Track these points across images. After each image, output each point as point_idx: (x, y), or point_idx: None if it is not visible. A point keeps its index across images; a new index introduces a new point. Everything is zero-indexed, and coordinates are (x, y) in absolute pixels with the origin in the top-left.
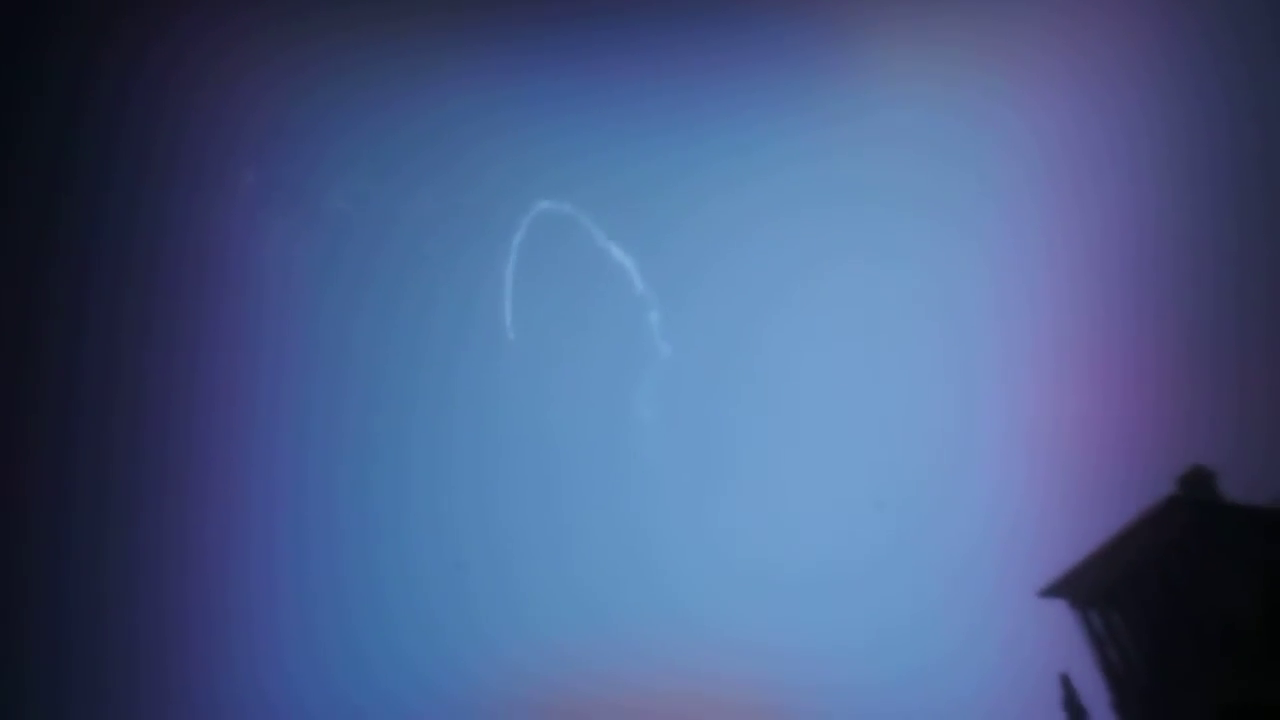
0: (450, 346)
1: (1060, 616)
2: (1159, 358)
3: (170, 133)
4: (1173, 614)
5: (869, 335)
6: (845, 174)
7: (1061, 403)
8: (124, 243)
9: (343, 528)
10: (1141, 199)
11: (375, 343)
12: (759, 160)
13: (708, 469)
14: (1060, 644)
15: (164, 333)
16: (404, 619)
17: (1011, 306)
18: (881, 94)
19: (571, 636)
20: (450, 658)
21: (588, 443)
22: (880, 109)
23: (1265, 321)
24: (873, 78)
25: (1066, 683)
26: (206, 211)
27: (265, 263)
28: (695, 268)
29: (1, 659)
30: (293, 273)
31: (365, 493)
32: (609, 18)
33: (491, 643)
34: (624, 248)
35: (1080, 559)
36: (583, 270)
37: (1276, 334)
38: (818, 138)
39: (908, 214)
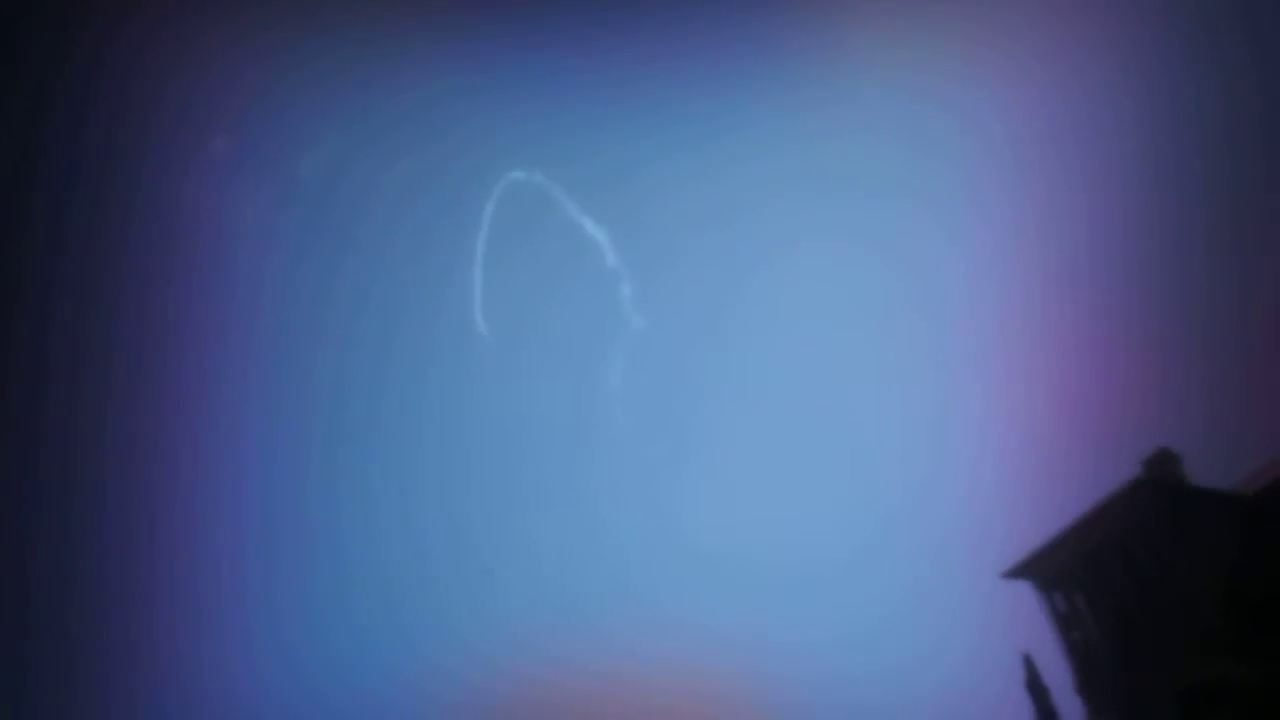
0: (422, 320)
1: (1026, 598)
2: (1130, 344)
3: (143, 101)
4: (1136, 595)
5: (843, 317)
6: (823, 159)
7: (1035, 387)
8: (96, 210)
9: (310, 509)
10: (1116, 189)
11: (347, 314)
12: (736, 142)
13: (673, 449)
14: (1028, 625)
15: (133, 303)
16: (371, 607)
17: (985, 293)
18: (861, 81)
19: (536, 622)
20: (414, 644)
21: (555, 417)
22: (860, 96)
23: (1235, 310)
24: (853, 65)
25: (1029, 663)
26: (178, 180)
27: (237, 231)
28: (669, 244)
29: None
30: (265, 241)
31: (334, 474)
32: None
33: (457, 630)
34: (598, 222)
35: (1045, 541)
36: (555, 243)
37: (1245, 322)
38: (796, 123)
39: (885, 200)
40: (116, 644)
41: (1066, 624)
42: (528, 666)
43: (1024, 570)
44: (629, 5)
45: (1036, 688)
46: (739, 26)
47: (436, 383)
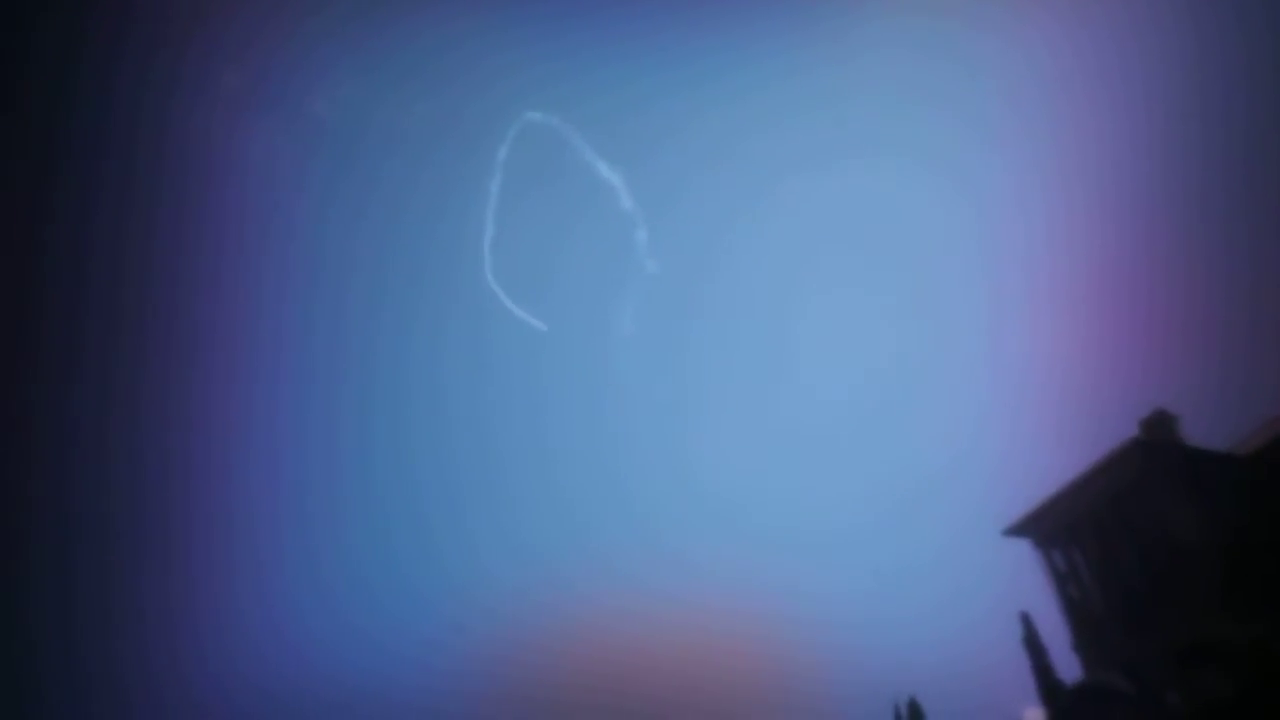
0: (436, 263)
1: (1026, 554)
2: (1134, 305)
3: (151, 33)
4: (1134, 555)
5: (854, 254)
6: (833, 86)
7: (1039, 343)
8: (101, 144)
9: (340, 449)
10: (1127, 140)
11: (361, 252)
12: (745, 76)
13: (688, 396)
14: (1027, 581)
15: (141, 239)
16: (408, 546)
17: (994, 243)
18: (870, 8)
19: (556, 554)
20: (446, 580)
21: (570, 360)
22: (869, 21)
23: (1237, 276)
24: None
25: (1027, 621)
26: (188, 113)
27: (247, 165)
28: (683, 184)
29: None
30: (275, 176)
31: (363, 412)
32: None
33: (484, 562)
34: (612, 164)
35: (1045, 498)
36: (569, 186)
37: (1246, 288)
38: (805, 51)
39: (896, 129)
40: (157, 593)
41: (1065, 582)
42: (554, 602)
43: (1024, 528)
44: None
45: (1034, 646)
46: None
47: (456, 332)
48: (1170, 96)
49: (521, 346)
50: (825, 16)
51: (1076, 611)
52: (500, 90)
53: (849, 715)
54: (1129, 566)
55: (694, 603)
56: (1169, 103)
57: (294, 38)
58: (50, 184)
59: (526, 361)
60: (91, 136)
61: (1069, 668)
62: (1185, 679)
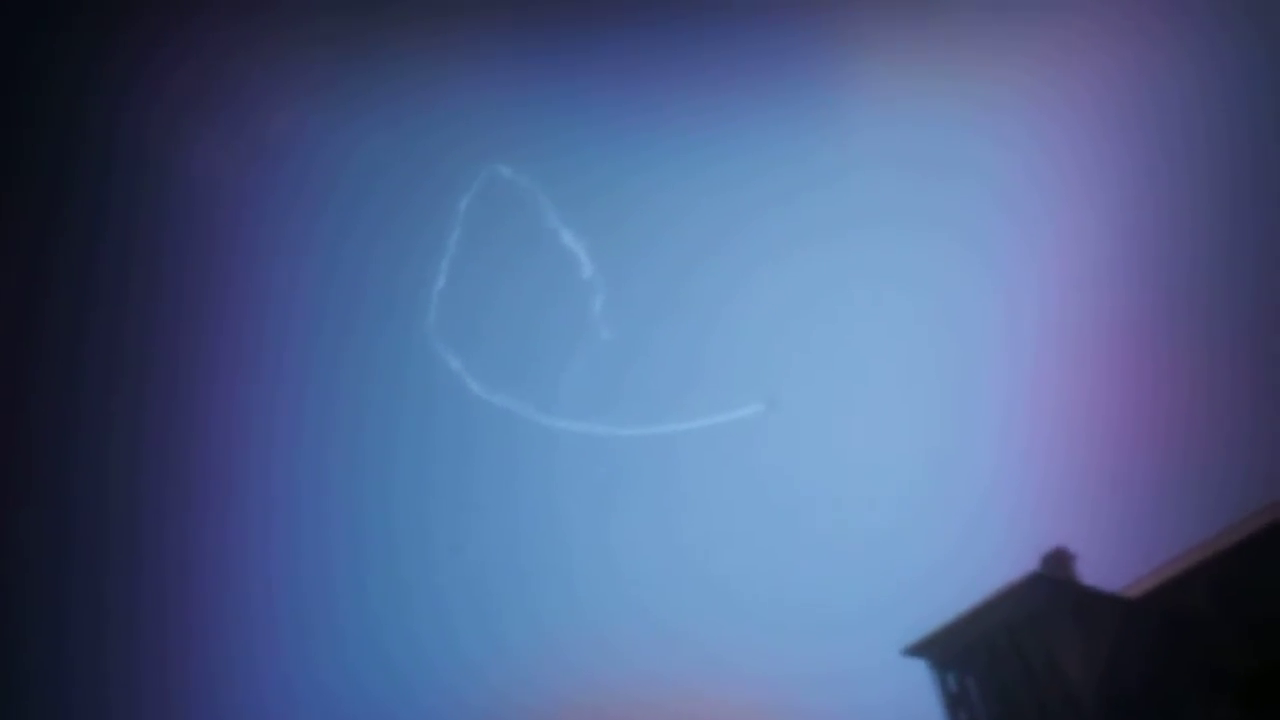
0: (380, 305)
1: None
2: (1065, 437)
3: (113, 49)
4: (1023, 683)
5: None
6: (825, 180)
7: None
8: (40, 149)
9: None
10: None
11: (298, 287)
12: (736, 166)
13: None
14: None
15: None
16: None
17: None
18: (861, 99)
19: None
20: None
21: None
22: (860, 113)
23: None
24: (852, 84)
25: None
26: (133, 123)
27: (196, 180)
28: (651, 259)
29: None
30: (224, 194)
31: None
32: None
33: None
34: (577, 230)
35: (945, 622)
36: (528, 245)
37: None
38: (796, 144)
39: (884, 217)
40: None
41: (956, 704)
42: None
43: (922, 649)
44: (649, 23)
45: None
46: (748, 49)
47: (397, 379)
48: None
49: (460, 402)
50: (810, 97)
51: None
52: (473, 140)
53: None
54: (1017, 695)
55: (677, 682)
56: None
57: (262, 53)
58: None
59: (461, 419)
60: (37, 144)
61: None
62: None
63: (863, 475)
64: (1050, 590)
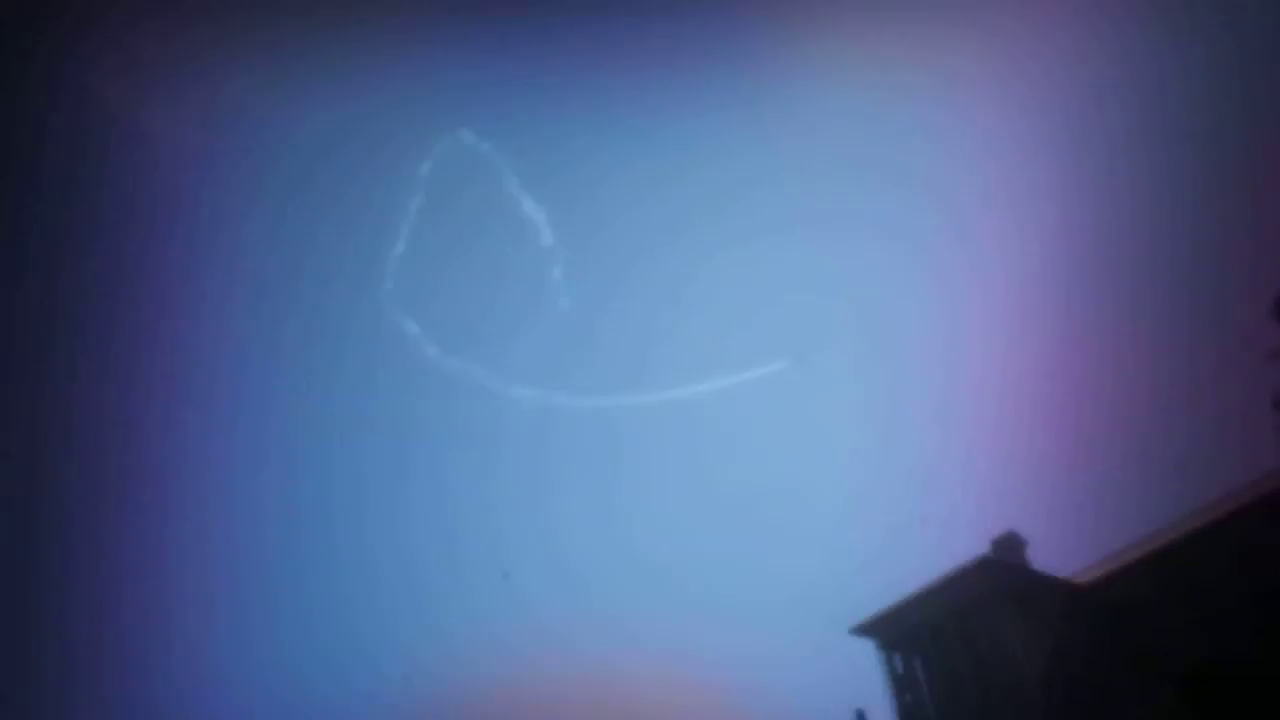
0: (340, 268)
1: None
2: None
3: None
4: (969, 666)
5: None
6: (784, 170)
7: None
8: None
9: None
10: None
11: (255, 251)
12: (698, 148)
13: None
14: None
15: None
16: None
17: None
18: (827, 85)
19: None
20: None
21: (461, 393)
22: (825, 100)
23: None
24: (818, 68)
25: (861, 718)
26: (85, 82)
27: (148, 142)
28: (613, 230)
29: None
30: (179, 157)
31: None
32: None
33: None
34: (538, 199)
35: (892, 603)
36: (489, 210)
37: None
38: (757, 130)
39: (837, 208)
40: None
41: (901, 686)
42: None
43: (869, 629)
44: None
45: None
46: (713, 19)
47: (353, 345)
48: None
49: (412, 368)
50: (774, 82)
51: (909, 716)
52: (435, 106)
53: None
54: (963, 678)
55: (621, 663)
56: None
57: (221, 14)
58: None
59: (419, 387)
60: None
61: None
62: None
63: (813, 457)
64: (998, 574)
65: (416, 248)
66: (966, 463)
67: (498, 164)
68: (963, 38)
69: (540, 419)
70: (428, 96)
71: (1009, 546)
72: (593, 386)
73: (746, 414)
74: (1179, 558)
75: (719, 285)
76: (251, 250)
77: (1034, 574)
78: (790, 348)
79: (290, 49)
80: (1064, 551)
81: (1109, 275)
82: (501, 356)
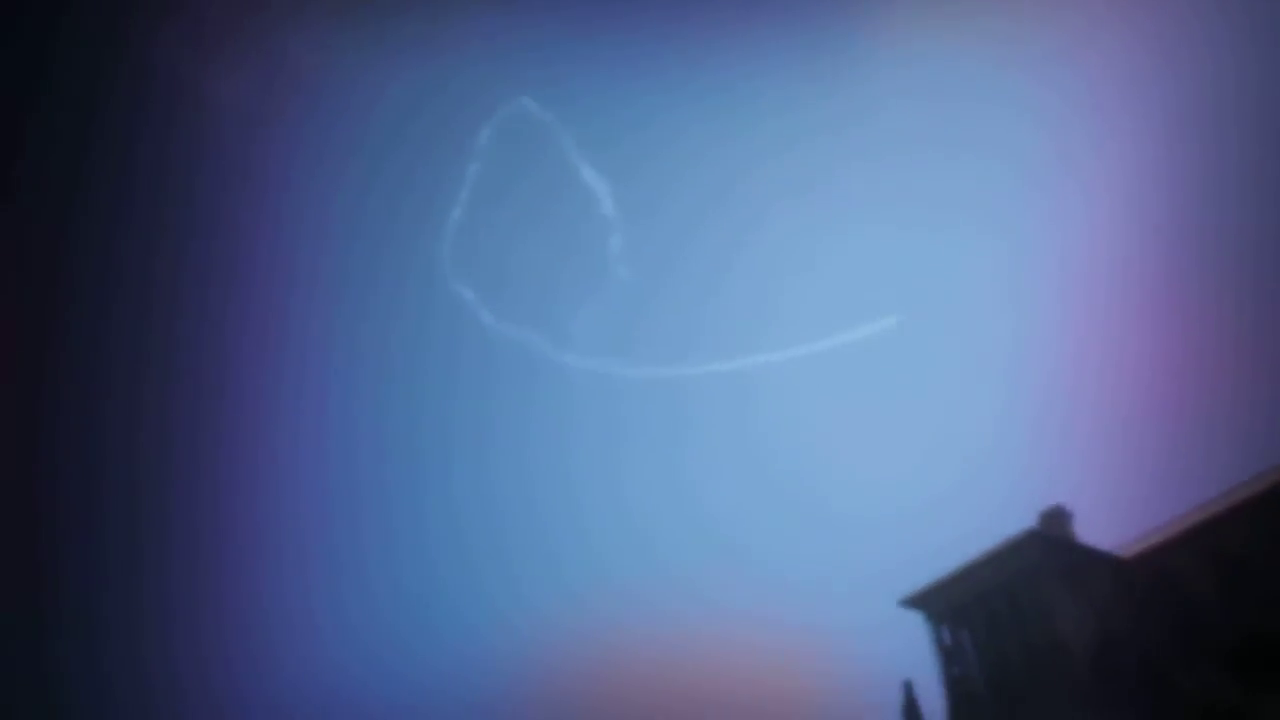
0: (400, 237)
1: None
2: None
3: None
4: (1014, 638)
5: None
6: (849, 119)
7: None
8: (72, 78)
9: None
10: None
11: (321, 213)
12: (756, 111)
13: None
14: (912, 652)
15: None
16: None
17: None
18: (881, 41)
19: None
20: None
21: (520, 359)
22: (884, 60)
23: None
24: (870, 25)
25: (909, 690)
26: (165, 53)
27: (221, 106)
28: (673, 200)
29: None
30: (249, 120)
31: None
32: None
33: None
34: (600, 168)
35: (941, 576)
36: (548, 179)
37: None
38: (820, 86)
39: (912, 168)
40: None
41: (949, 658)
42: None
43: (918, 601)
44: None
45: (912, 714)
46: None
47: (412, 308)
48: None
49: (476, 337)
50: (831, 36)
51: (956, 688)
52: (497, 73)
53: None
54: (1010, 650)
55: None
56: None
57: None
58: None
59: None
60: (69, 73)
61: None
62: None
63: (863, 430)
64: (1046, 548)
65: (475, 214)
66: (1020, 434)
67: (558, 131)
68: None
69: (602, 388)
70: (489, 65)
71: (1056, 520)
72: (653, 356)
73: (806, 386)
74: (1223, 532)
75: (784, 255)
76: (314, 214)
77: (1081, 547)
78: (851, 320)
79: (352, 18)
80: (1111, 525)
81: (1180, 248)
82: (562, 326)
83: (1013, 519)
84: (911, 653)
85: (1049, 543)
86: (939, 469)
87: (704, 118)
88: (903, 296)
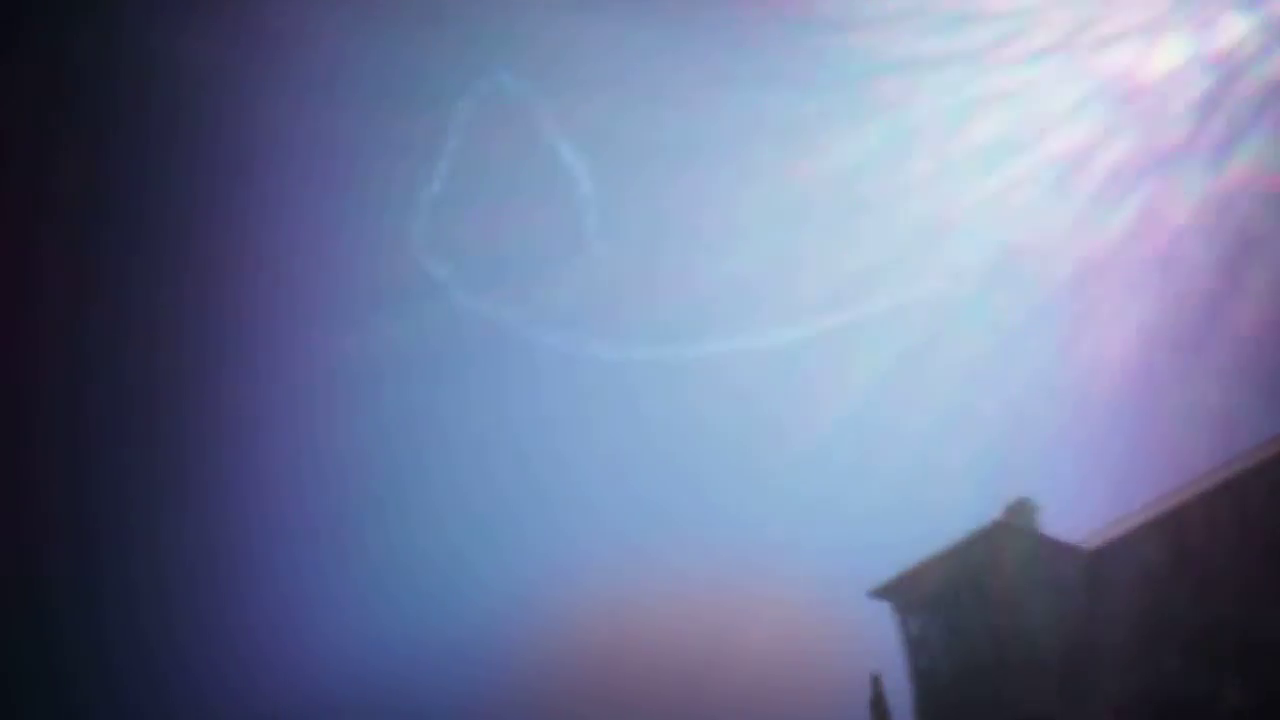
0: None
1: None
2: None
3: None
4: (981, 629)
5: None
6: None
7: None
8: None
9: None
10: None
11: (293, 177)
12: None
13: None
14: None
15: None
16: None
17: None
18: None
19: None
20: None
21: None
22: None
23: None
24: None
25: (877, 683)
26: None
27: (193, 68)
28: (653, 177)
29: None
30: (221, 84)
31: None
32: None
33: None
34: (578, 137)
35: (910, 566)
36: (523, 152)
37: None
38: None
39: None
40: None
41: (916, 650)
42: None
43: (887, 591)
44: None
45: (880, 708)
46: None
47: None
48: None
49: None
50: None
51: (923, 680)
52: (477, 42)
53: None
54: (976, 642)
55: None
56: None
57: None
58: None
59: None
60: (36, 31)
61: None
62: None
63: (825, 412)
64: (1011, 539)
65: (451, 185)
66: (986, 424)
67: (537, 103)
68: None
69: (579, 368)
70: (467, 33)
71: (1022, 511)
72: (632, 336)
73: (772, 363)
74: (1190, 520)
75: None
76: (279, 176)
77: (1047, 538)
78: (837, 303)
79: None
80: (1078, 516)
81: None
82: (534, 300)
83: (978, 511)
84: (880, 643)
85: (1015, 533)
86: (902, 459)
87: (696, 84)
88: (889, 282)
